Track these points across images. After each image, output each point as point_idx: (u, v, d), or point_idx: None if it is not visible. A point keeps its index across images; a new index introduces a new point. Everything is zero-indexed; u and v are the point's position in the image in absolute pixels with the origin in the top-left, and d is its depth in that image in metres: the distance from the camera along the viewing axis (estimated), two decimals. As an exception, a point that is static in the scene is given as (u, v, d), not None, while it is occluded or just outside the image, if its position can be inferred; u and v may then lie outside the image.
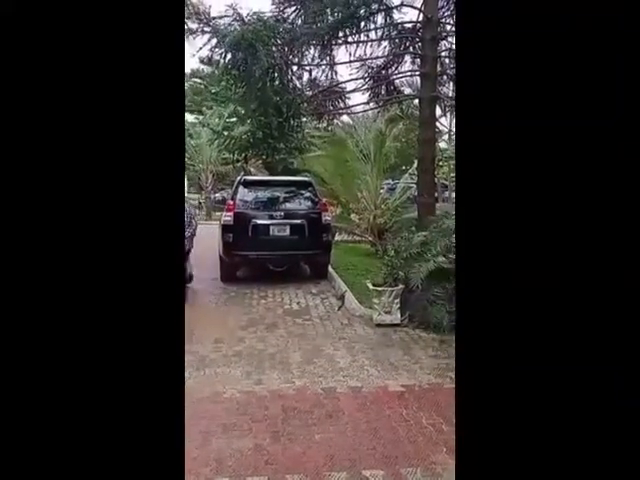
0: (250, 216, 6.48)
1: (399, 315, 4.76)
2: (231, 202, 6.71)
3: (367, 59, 7.55)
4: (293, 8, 6.80)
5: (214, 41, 6.40)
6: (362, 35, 7.04)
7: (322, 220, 6.73)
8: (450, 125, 16.70)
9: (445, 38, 7.22)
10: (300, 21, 6.77)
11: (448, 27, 7.15)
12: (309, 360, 3.83)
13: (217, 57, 6.62)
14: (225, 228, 6.53)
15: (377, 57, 7.62)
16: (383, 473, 2.33)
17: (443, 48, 7.27)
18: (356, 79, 7.72)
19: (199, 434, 2.64)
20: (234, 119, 15.27)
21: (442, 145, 17.20)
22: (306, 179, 7.54)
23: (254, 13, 6.40)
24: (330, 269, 7.11)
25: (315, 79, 7.76)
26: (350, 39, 7.07)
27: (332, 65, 7.52)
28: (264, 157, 11.28)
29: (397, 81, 8.13)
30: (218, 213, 13.83)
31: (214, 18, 6.52)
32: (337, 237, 9.23)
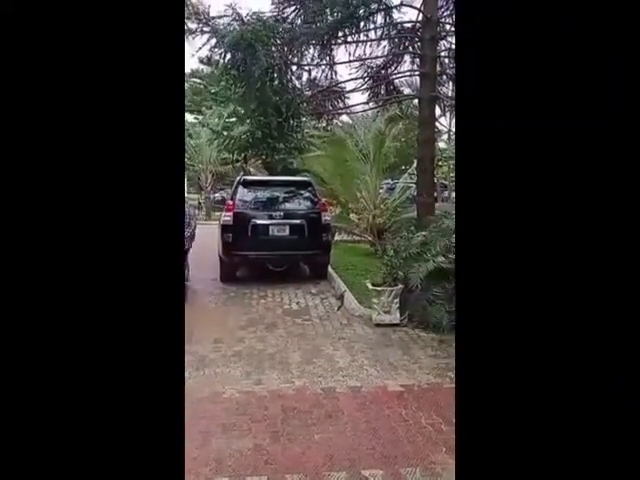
0: (250, 216, 6.48)
1: (398, 315, 4.76)
2: (230, 202, 6.71)
3: (366, 59, 7.56)
4: (292, 8, 6.80)
5: (213, 41, 6.41)
6: (361, 35, 7.05)
7: (322, 220, 6.73)
8: (450, 125, 16.74)
9: (444, 38, 7.23)
10: (299, 21, 6.77)
11: (447, 27, 7.15)
12: (308, 360, 3.83)
13: (216, 57, 6.63)
14: (224, 228, 6.53)
15: (376, 57, 7.64)
16: (382, 473, 2.33)
17: (442, 48, 7.27)
18: (355, 79, 7.74)
19: (199, 434, 2.64)
20: (233, 119, 15.24)
21: (441, 145, 17.24)
22: (306, 179, 7.53)
23: (253, 13, 6.41)
24: (330, 269, 7.11)
25: (314, 79, 7.77)
26: (349, 39, 7.08)
27: (331, 65, 7.52)
28: (263, 157, 11.26)
29: (396, 81, 8.15)
30: (217, 213, 13.83)
31: (213, 18, 6.53)
32: (336, 237, 9.22)
